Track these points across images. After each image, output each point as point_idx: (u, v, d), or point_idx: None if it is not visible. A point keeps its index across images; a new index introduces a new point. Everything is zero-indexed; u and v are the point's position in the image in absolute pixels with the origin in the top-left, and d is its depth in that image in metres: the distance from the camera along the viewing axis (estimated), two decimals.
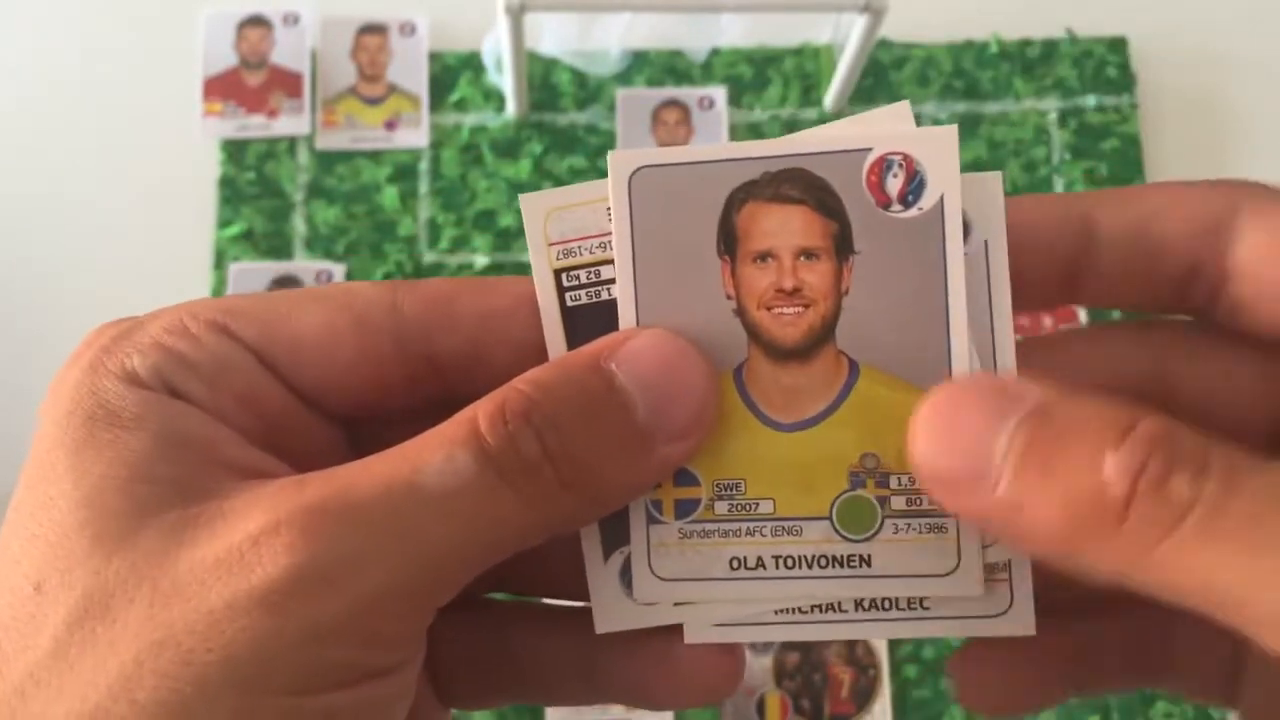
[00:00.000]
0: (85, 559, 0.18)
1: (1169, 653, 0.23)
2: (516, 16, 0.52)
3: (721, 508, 0.21)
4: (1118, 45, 0.64)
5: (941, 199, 0.21)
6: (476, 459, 0.19)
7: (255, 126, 0.62)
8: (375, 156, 0.62)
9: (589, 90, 0.63)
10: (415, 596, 0.19)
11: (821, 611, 0.22)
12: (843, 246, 0.21)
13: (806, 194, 0.21)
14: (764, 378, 0.21)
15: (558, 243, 0.22)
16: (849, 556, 0.21)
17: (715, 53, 0.63)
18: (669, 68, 0.63)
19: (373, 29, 0.64)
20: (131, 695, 0.17)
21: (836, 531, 0.21)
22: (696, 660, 0.22)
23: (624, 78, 0.63)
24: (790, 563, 0.21)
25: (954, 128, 0.21)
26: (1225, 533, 0.17)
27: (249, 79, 0.63)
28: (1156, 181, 0.22)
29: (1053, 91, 0.63)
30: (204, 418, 0.20)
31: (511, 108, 0.61)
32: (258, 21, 0.63)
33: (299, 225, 0.61)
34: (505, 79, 0.60)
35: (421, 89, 0.63)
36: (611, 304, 0.21)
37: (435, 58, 0.63)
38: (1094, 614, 0.23)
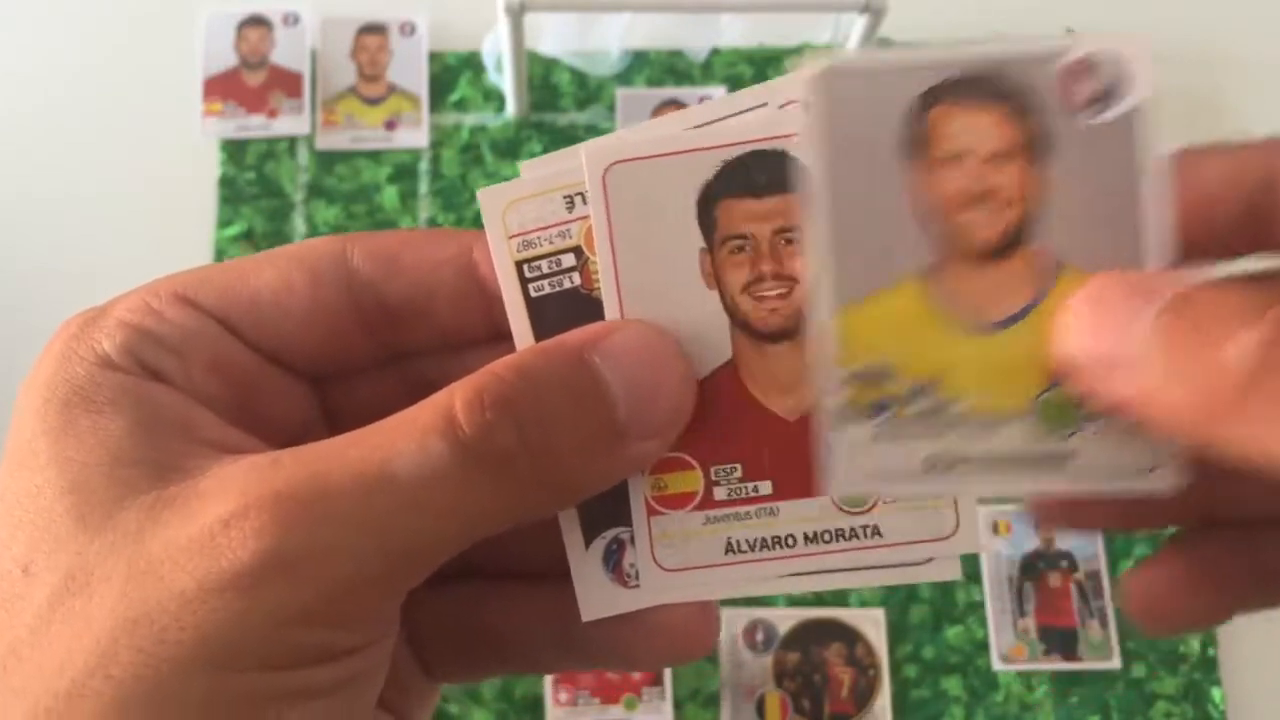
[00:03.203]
0: (70, 540, 0.18)
1: None
2: (516, 16, 0.52)
3: (916, 406, 0.21)
4: None
5: (1136, 105, 0.21)
6: (451, 448, 0.19)
7: (255, 126, 0.62)
8: (375, 156, 0.62)
9: (589, 90, 0.63)
10: (384, 583, 0.19)
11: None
12: (1037, 149, 0.21)
13: (1001, 97, 0.21)
14: (960, 280, 0.21)
15: (518, 234, 0.22)
16: (1050, 454, 0.21)
17: (715, 53, 0.63)
18: (669, 68, 0.63)
19: (373, 29, 0.64)
20: (107, 670, 0.17)
21: (1038, 428, 0.21)
22: (671, 621, 0.22)
23: (624, 78, 0.63)
24: (991, 460, 0.22)
25: (1149, 34, 0.21)
26: None
27: (249, 79, 0.63)
28: None
29: None
30: (177, 396, 0.20)
31: (511, 108, 0.61)
32: (258, 21, 0.63)
33: (299, 225, 0.61)
34: (505, 79, 0.60)
35: (421, 89, 0.63)
36: (575, 292, 0.21)
37: (435, 58, 0.63)
38: (1267, 523, 0.23)
